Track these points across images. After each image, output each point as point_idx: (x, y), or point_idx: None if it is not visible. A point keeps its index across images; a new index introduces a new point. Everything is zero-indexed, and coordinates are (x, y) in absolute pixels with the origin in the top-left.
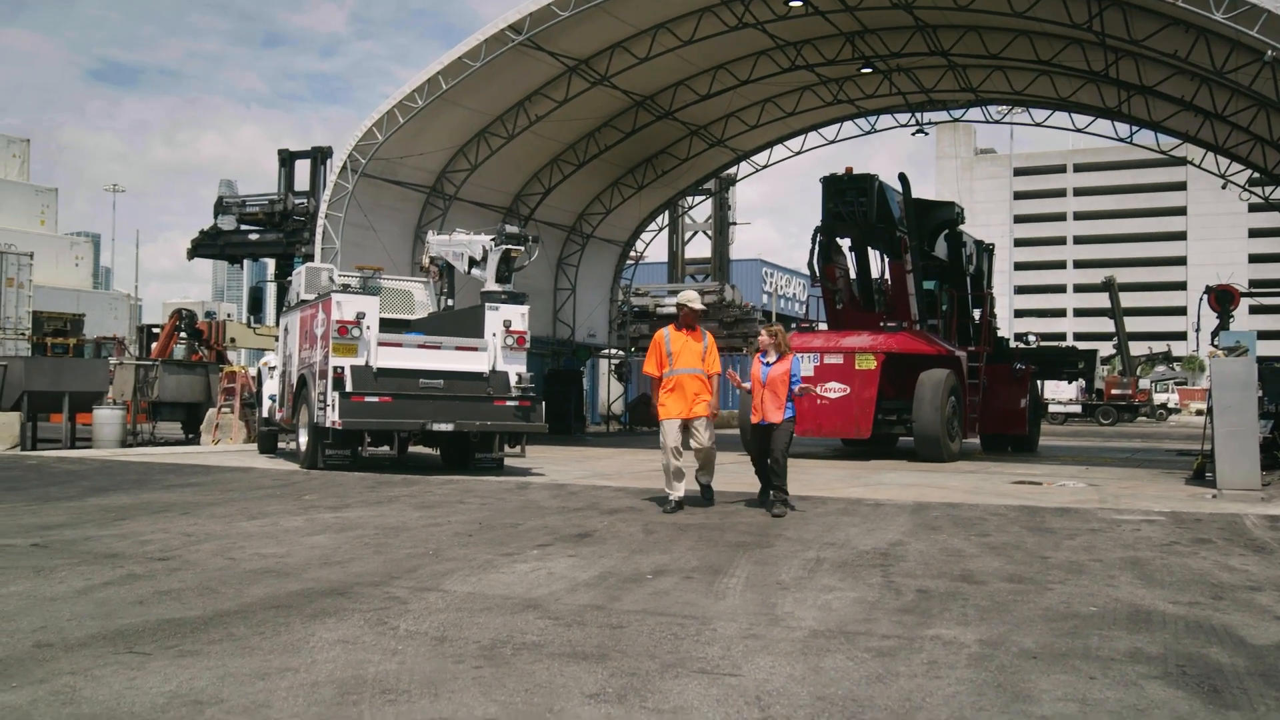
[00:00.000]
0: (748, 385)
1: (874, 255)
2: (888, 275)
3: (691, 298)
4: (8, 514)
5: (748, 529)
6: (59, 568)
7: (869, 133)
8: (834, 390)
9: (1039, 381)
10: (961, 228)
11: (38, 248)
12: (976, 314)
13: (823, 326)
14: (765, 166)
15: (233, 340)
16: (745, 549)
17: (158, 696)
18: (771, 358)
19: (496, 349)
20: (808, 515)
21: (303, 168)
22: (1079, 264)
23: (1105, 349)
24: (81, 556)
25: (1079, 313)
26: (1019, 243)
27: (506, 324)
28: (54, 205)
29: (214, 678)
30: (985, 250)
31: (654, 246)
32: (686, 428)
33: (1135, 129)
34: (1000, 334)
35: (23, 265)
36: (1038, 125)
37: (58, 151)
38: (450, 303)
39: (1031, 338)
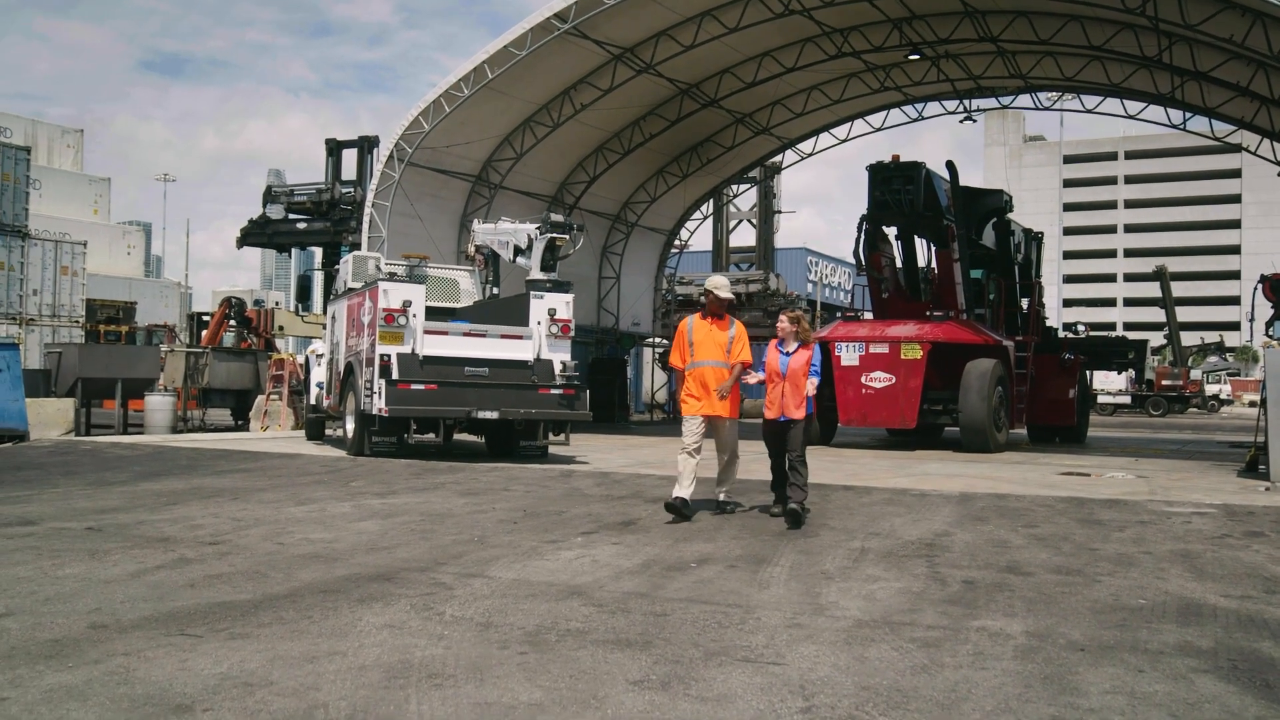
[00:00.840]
0: (760, 376)
1: (920, 244)
2: (934, 264)
3: (718, 283)
4: (63, 498)
5: None
6: (113, 551)
7: (916, 120)
8: (879, 380)
9: (1088, 372)
10: (1010, 216)
11: (91, 236)
12: (1024, 303)
13: (868, 315)
14: (811, 154)
15: (281, 328)
16: (789, 538)
17: (209, 678)
18: (791, 346)
19: (541, 337)
20: (852, 505)
21: (350, 157)
22: (1129, 253)
23: (1156, 339)
24: (135, 540)
25: (1129, 302)
26: (1068, 231)
27: (551, 312)
28: (107, 195)
29: (264, 660)
30: (1034, 239)
31: (698, 235)
32: (712, 426)
33: (1189, 115)
34: (1049, 323)
35: (76, 254)
36: (1088, 112)
37: (110, 142)
38: (496, 291)
39: (1081, 327)
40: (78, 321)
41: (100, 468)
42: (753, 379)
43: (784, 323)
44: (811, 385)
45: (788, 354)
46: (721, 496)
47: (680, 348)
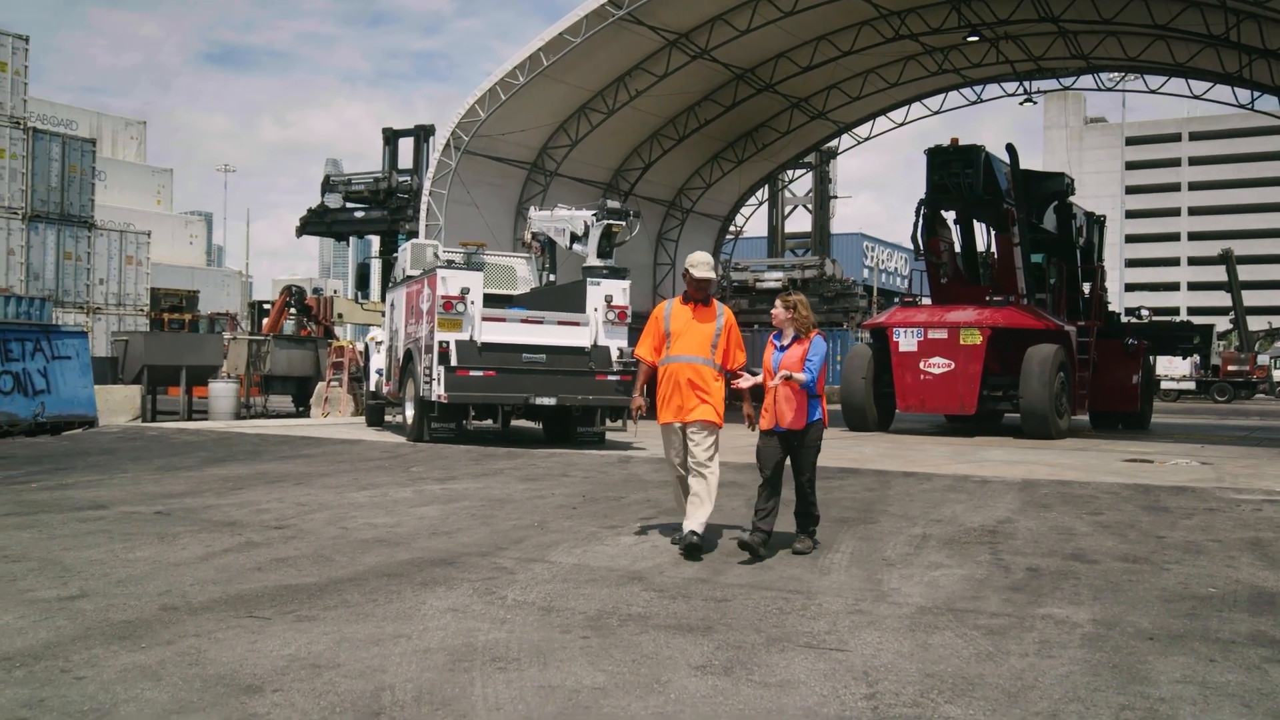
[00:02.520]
0: (755, 379)
1: (980, 228)
2: (994, 248)
3: (695, 260)
4: (133, 483)
5: (851, 505)
6: (181, 535)
7: (975, 103)
8: (938, 365)
9: (1151, 357)
10: (1071, 199)
11: (155, 226)
12: (1086, 288)
13: (926, 301)
14: (867, 139)
15: (340, 316)
16: (849, 525)
17: (278, 659)
18: (788, 339)
19: (598, 324)
20: (912, 492)
21: (406, 146)
22: (1194, 236)
23: (1222, 324)
24: (202, 524)
25: (1194, 286)
26: (1131, 214)
27: (608, 299)
28: (169, 185)
29: (330, 643)
30: (1096, 222)
31: (754, 221)
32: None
33: (1256, 94)
34: (1111, 308)
35: (141, 244)
36: (1152, 93)
37: (172, 133)
38: (552, 278)
39: (1144, 312)
40: (143, 310)
41: (167, 453)
42: (746, 382)
43: (779, 310)
44: (785, 383)
45: (782, 348)
46: (691, 530)
47: (654, 336)
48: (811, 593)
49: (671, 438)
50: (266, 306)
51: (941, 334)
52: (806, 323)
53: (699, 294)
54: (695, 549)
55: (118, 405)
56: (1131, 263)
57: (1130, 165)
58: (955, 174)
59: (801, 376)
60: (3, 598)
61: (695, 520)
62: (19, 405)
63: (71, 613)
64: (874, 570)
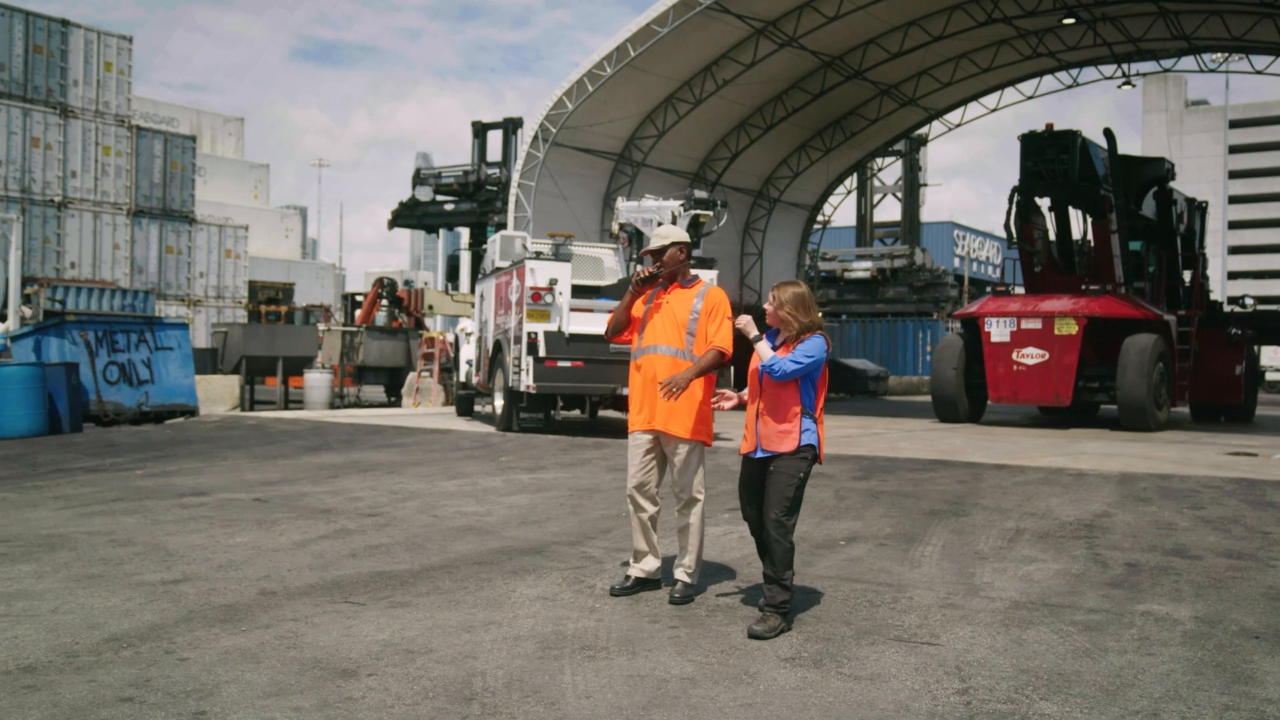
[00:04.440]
0: (739, 396)
1: (1076, 215)
2: (1090, 236)
3: (659, 232)
4: (232, 470)
5: (942, 497)
6: (279, 521)
7: (1070, 87)
8: (1032, 356)
9: (1256, 347)
10: (1171, 185)
11: (252, 220)
12: (1187, 276)
13: (1019, 290)
14: (958, 125)
15: (431, 307)
16: (940, 517)
17: (372, 644)
18: (783, 339)
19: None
20: (1005, 485)
21: (495, 138)
22: None
23: None
24: (299, 511)
25: None
26: (1234, 200)
27: None
28: (266, 180)
29: (423, 629)
30: (1197, 208)
31: (842, 210)
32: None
33: None
34: (1213, 297)
35: (239, 237)
36: (1258, 73)
37: (268, 128)
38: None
39: (1249, 300)
40: (241, 302)
41: (264, 442)
42: (729, 403)
43: (770, 305)
44: (772, 392)
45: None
46: (681, 578)
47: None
48: (902, 586)
49: (635, 451)
50: (359, 298)
51: (1035, 324)
52: (792, 328)
53: (673, 272)
54: (688, 600)
55: (217, 395)
56: (1235, 250)
57: (1234, 149)
58: (1050, 160)
59: (792, 366)
60: (111, 581)
61: (686, 562)
62: (125, 394)
63: (175, 596)
64: (966, 564)
